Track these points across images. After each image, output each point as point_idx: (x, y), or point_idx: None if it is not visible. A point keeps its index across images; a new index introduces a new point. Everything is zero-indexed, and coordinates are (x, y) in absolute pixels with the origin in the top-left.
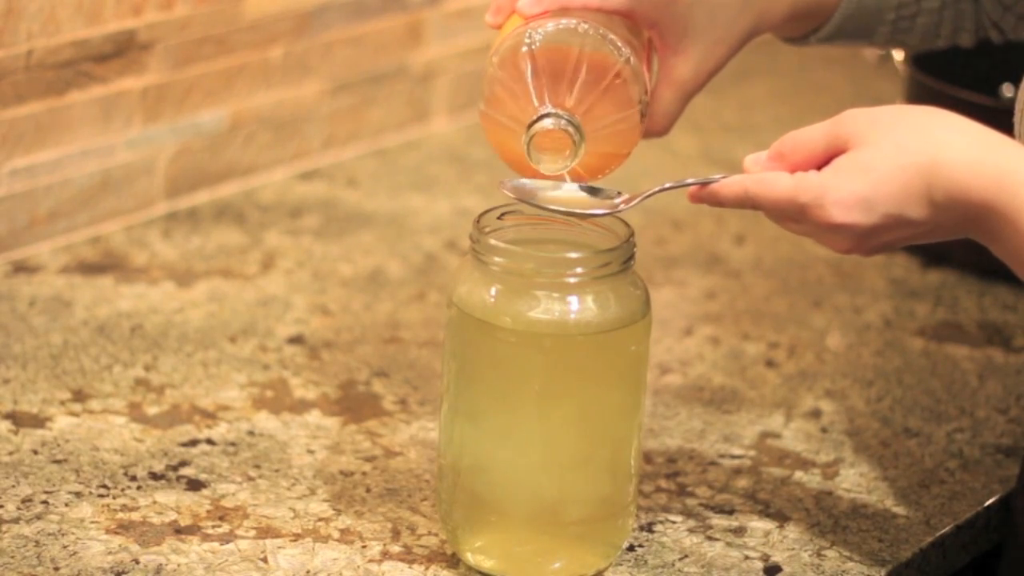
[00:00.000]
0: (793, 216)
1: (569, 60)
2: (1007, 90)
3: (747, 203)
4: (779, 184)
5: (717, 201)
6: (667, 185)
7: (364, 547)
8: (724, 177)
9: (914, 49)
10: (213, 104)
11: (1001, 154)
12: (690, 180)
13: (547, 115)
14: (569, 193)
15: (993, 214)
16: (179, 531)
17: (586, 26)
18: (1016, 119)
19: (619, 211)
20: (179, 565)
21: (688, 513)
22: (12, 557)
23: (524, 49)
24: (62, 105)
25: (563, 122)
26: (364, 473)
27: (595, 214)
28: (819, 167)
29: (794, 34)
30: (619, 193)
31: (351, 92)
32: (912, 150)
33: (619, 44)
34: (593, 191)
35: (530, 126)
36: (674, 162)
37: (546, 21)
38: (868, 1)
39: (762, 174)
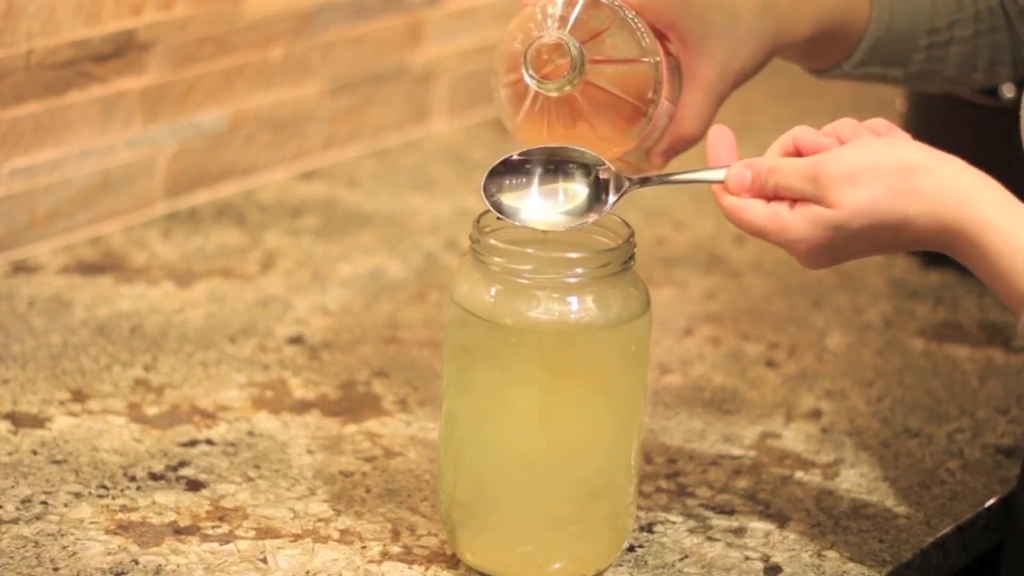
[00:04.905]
0: (765, 239)
1: (573, 17)
2: (1007, 90)
3: (723, 214)
4: (753, 216)
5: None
6: (637, 178)
7: (364, 547)
8: (700, 170)
9: (952, 85)
10: (213, 104)
11: (968, 190)
12: (655, 174)
13: (550, 32)
14: (542, 199)
15: (961, 239)
16: (178, 531)
17: None
18: (1023, 124)
19: (582, 224)
20: (179, 566)
21: (688, 513)
22: (11, 558)
23: (534, 9)
24: (62, 105)
25: (566, 38)
26: (364, 473)
27: (554, 227)
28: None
29: (825, 63)
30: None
31: (351, 92)
32: (884, 210)
33: (622, 5)
34: (562, 203)
35: (533, 40)
36: (674, 162)
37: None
38: (898, 25)
39: (739, 201)
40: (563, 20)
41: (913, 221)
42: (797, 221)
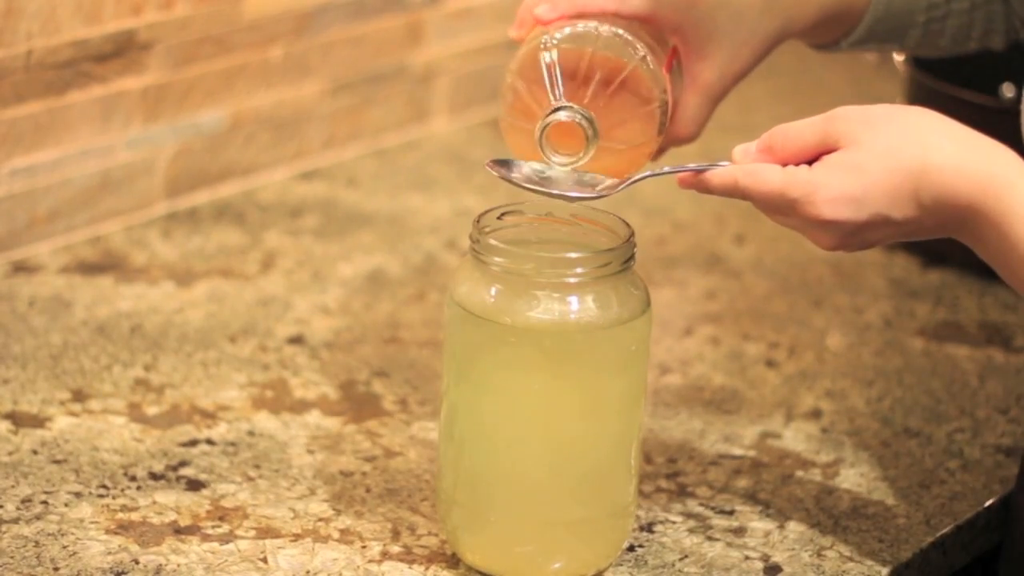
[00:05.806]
0: (782, 210)
1: (584, 60)
2: (1007, 90)
3: (736, 193)
4: (770, 178)
5: (707, 189)
6: (649, 173)
7: (364, 547)
8: (711, 166)
9: (945, 52)
10: (213, 104)
11: (987, 158)
12: (668, 168)
13: (561, 108)
14: (555, 175)
15: (978, 217)
16: (179, 531)
17: (602, 27)
18: None
19: (603, 196)
20: (179, 565)
21: (688, 513)
22: (12, 557)
23: (541, 51)
24: (62, 105)
25: (577, 116)
26: (364, 473)
27: (579, 197)
28: (808, 162)
29: (824, 40)
30: (606, 179)
31: (351, 92)
32: (903, 153)
33: (633, 42)
34: (580, 175)
35: (544, 119)
36: (674, 161)
37: (563, 25)
38: (897, 3)
39: (753, 166)
40: (573, 81)
41: (933, 174)
42: (814, 172)
